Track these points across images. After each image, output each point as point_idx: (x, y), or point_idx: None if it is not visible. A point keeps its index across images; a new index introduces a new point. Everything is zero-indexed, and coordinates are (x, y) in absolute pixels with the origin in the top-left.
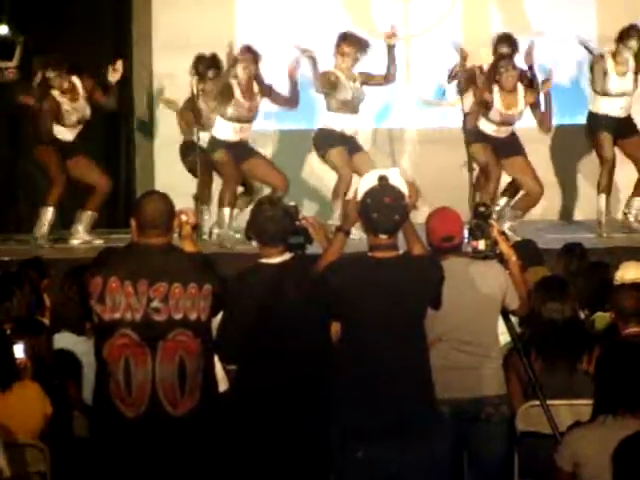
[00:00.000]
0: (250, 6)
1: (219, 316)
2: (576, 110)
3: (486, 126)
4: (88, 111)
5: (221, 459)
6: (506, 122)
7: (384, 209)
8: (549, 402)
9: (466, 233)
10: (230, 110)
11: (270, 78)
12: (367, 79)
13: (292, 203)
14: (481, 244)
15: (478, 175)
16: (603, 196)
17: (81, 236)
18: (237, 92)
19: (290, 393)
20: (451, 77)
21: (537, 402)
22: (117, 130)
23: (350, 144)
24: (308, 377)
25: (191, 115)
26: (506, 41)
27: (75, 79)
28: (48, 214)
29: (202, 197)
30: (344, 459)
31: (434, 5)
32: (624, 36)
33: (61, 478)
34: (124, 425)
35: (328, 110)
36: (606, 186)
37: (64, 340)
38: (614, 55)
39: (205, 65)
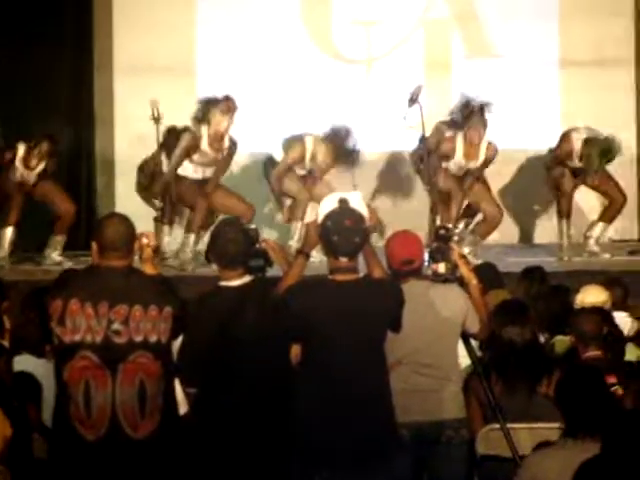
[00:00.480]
0: (211, 29)
1: (180, 339)
2: (536, 134)
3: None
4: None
5: None
6: (464, 174)
7: (344, 232)
8: (509, 425)
9: (426, 256)
10: (196, 157)
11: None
12: None
13: (252, 226)
14: (441, 267)
15: (435, 199)
16: (564, 220)
17: (54, 259)
18: (204, 142)
19: (249, 416)
20: (411, 101)
21: (497, 425)
22: (78, 151)
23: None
24: (268, 400)
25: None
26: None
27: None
28: (8, 235)
29: (164, 218)
30: None
31: (396, 28)
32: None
33: None
34: (84, 448)
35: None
36: (566, 210)
37: (24, 362)
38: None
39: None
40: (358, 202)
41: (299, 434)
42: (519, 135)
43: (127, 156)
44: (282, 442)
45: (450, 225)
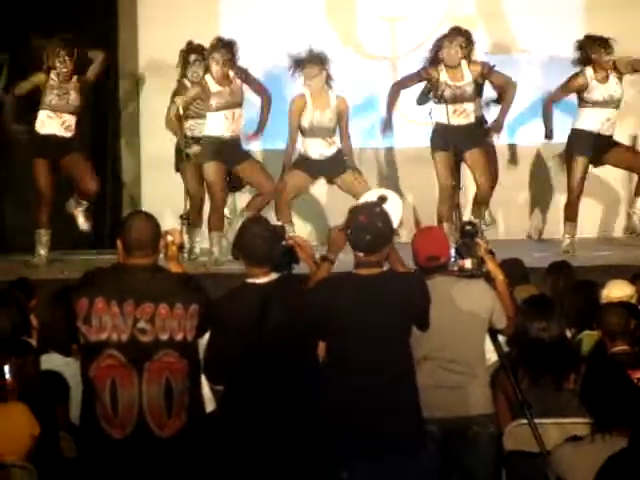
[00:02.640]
0: (234, 23)
1: (206, 336)
2: (558, 129)
3: (442, 113)
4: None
5: None
6: (458, 98)
7: (356, 228)
8: (536, 421)
9: (453, 252)
10: (213, 102)
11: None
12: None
13: (279, 223)
14: (468, 263)
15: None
16: (567, 223)
17: None
18: (212, 83)
19: (276, 413)
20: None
21: (524, 421)
22: (104, 149)
23: (313, 168)
24: (295, 397)
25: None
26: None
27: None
28: (43, 235)
29: (194, 219)
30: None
31: (421, 25)
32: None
33: None
34: (111, 446)
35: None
36: (571, 214)
37: (51, 361)
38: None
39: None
40: (395, 201)
41: (324, 429)
42: (537, 131)
43: (153, 154)
44: (309, 439)
45: (476, 220)
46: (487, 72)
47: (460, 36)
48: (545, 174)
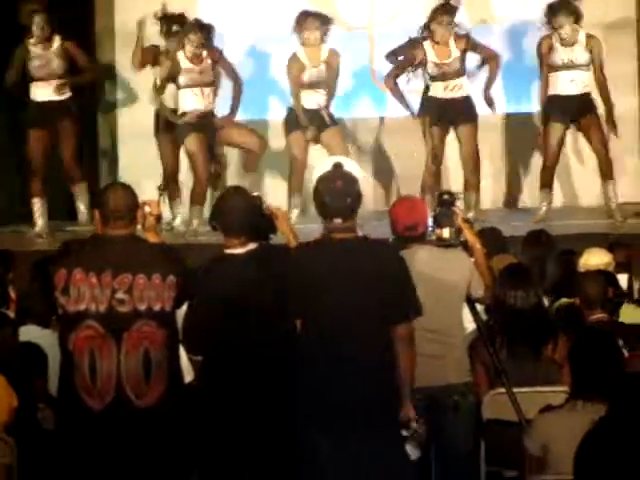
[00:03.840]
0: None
1: (184, 307)
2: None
3: (434, 88)
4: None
5: (187, 450)
6: (447, 74)
7: (335, 193)
8: (515, 390)
9: (430, 221)
10: (182, 79)
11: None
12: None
13: (256, 193)
14: (445, 232)
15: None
16: (542, 190)
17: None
18: (183, 60)
19: (255, 383)
20: (412, 66)
21: (503, 390)
22: (81, 121)
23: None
24: (273, 367)
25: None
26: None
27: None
28: (38, 206)
29: (171, 191)
30: (307, 451)
31: None
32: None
33: (27, 470)
34: (90, 416)
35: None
36: (547, 181)
37: (29, 333)
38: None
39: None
40: (352, 166)
41: (302, 399)
42: (519, 99)
43: (130, 125)
44: (287, 409)
45: (454, 190)
46: (471, 45)
47: (450, 14)
48: (520, 142)
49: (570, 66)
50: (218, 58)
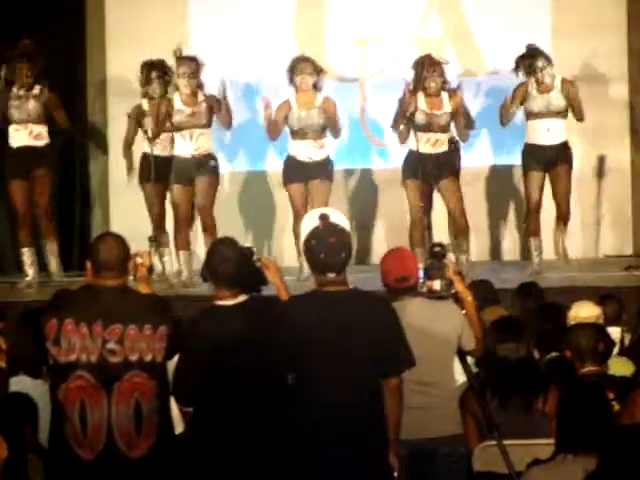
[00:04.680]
0: (203, 45)
1: (175, 358)
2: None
3: (419, 140)
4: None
5: None
6: (434, 126)
7: (330, 250)
8: (505, 442)
9: (421, 273)
10: (174, 119)
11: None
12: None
13: (248, 244)
14: (436, 284)
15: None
16: (531, 239)
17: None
18: (177, 101)
19: (246, 436)
20: (403, 117)
21: (493, 442)
22: (72, 171)
23: (302, 174)
24: (264, 420)
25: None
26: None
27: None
28: (27, 255)
29: (160, 239)
30: None
31: (389, 47)
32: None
33: None
34: (80, 467)
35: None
36: (534, 229)
37: (20, 383)
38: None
39: (151, 70)
40: (338, 217)
41: (292, 449)
42: (510, 152)
43: (121, 175)
44: (278, 461)
45: (445, 242)
46: (461, 107)
47: (440, 66)
48: (504, 194)
49: (546, 113)
50: (214, 103)
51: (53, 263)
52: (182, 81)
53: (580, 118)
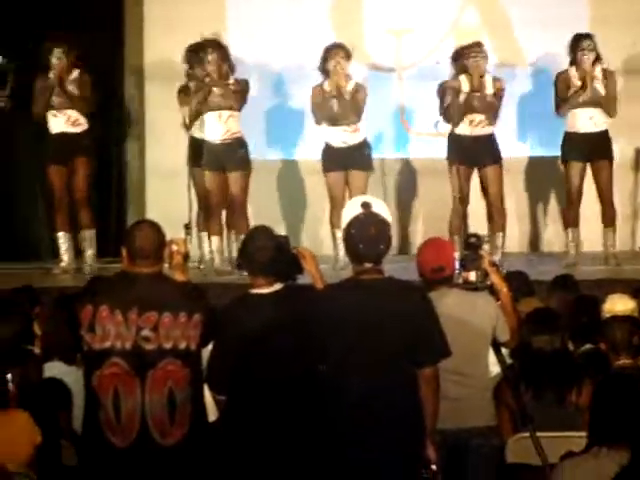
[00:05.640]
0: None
1: (209, 346)
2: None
3: (460, 126)
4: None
5: None
6: (476, 107)
7: (370, 240)
8: (539, 434)
9: (457, 264)
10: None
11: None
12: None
13: (283, 233)
14: (472, 275)
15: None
16: (569, 230)
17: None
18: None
19: (279, 424)
20: (449, 104)
21: (527, 434)
22: (109, 157)
23: (338, 160)
24: (297, 408)
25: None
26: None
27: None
28: (62, 239)
29: (206, 225)
30: None
31: (426, 37)
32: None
33: None
34: (113, 454)
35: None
36: (572, 220)
37: (54, 369)
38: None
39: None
40: (380, 206)
41: (326, 439)
42: (549, 143)
43: (158, 162)
44: (311, 450)
45: (481, 233)
46: (498, 95)
47: (480, 47)
48: (544, 186)
49: (588, 103)
50: (241, 89)
51: (89, 252)
52: (210, 67)
53: (610, 111)
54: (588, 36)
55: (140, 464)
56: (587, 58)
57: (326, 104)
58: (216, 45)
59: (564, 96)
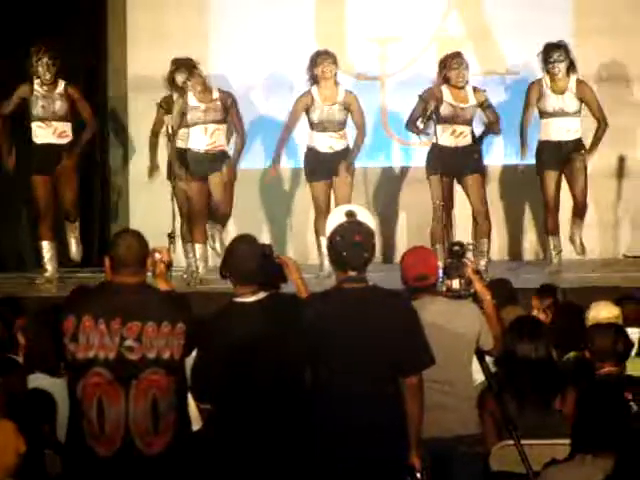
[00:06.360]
0: (222, 45)
1: (193, 354)
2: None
3: (442, 133)
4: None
5: None
6: (459, 119)
7: (354, 247)
8: (523, 442)
9: (441, 272)
10: (189, 116)
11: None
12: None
13: (267, 242)
14: (455, 283)
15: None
16: (550, 237)
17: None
18: (191, 98)
19: (264, 433)
20: (427, 117)
21: (511, 442)
22: (92, 170)
23: (323, 164)
24: (282, 417)
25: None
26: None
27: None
28: (46, 249)
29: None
30: None
31: (409, 45)
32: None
33: None
34: (97, 464)
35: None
36: (552, 228)
37: (38, 380)
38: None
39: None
40: (365, 215)
41: (311, 447)
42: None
43: (141, 171)
44: (296, 459)
45: (464, 241)
46: (486, 104)
47: (462, 58)
48: (524, 193)
49: (561, 114)
50: (229, 105)
51: (74, 247)
52: (196, 86)
53: (600, 120)
54: (559, 46)
55: (124, 473)
56: (557, 70)
57: (315, 110)
58: (196, 73)
59: (530, 105)
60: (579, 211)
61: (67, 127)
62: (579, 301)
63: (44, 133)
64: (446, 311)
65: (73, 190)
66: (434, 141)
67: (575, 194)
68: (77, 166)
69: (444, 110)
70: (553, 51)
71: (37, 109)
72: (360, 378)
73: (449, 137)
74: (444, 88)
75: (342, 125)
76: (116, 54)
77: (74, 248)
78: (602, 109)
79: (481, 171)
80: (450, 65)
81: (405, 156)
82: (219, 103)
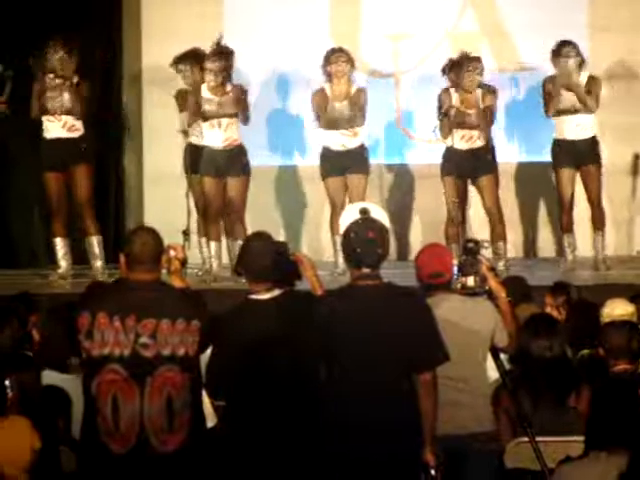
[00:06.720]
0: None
1: (208, 351)
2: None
3: (455, 140)
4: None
5: None
6: (466, 124)
7: (367, 244)
8: (538, 439)
9: (455, 269)
10: (205, 107)
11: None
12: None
13: (282, 239)
14: (470, 280)
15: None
16: (565, 235)
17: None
18: (204, 91)
19: (278, 430)
20: (443, 114)
21: (525, 439)
22: (107, 166)
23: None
24: (296, 414)
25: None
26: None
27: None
28: (59, 245)
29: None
30: None
31: (423, 42)
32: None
33: None
34: (111, 461)
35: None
36: (567, 225)
37: (53, 376)
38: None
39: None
40: (379, 212)
41: (325, 443)
42: (535, 148)
43: (156, 168)
44: (310, 456)
45: (479, 238)
46: (492, 105)
47: (479, 63)
48: (540, 190)
49: (574, 111)
50: (241, 97)
51: (98, 260)
52: (209, 76)
53: (588, 106)
54: (569, 43)
55: (139, 470)
56: (567, 65)
57: (327, 107)
58: (217, 56)
59: (548, 100)
60: (596, 218)
61: (77, 121)
62: (594, 298)
63: (53, 127)
64: (461, 308)
65: (86, 189)
66: (449, 143)
67: (590, 199)
68: (91, 163)
69: (453, 115)
70: (562, 47)
71: (47, 100)
72: (374, 375)
73: (460, 141)
74: (453, 92)
75: (353, 122)
76: (131, 49)
77: (98, 263)
78: (598, 100)
79: (494, 172)
80: (465, 68)
81: (419, 153)
82: (232, 95)
